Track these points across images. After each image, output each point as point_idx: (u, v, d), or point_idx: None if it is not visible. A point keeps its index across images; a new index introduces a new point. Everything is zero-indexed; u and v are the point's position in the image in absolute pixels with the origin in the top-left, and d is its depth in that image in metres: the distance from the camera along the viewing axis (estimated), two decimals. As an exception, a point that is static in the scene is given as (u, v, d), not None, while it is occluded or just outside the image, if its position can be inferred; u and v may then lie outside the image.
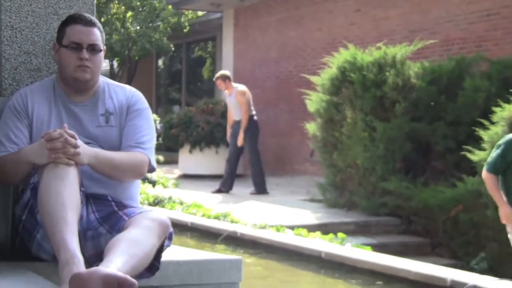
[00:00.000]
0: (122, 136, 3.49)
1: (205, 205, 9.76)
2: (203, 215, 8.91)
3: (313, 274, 5.54)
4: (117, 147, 3.44)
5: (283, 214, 9.85)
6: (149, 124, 3.56)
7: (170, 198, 10.63)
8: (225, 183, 13.25)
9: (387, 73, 10.58)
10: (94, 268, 2.64)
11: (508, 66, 10.35)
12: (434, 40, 11.51)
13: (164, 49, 20.03)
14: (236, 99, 12.88)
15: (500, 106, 8.76)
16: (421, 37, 11.21)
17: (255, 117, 13.33)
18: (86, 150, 3.19)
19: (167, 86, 23.30)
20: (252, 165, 13.30)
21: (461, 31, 12.46)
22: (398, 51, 10.86)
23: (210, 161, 14.75)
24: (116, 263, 2.75)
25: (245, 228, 7.48)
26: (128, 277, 2.60)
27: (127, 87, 3.67)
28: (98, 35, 3.44)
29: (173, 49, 20.39)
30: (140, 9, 19.94)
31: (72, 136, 3.11)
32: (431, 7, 13.03)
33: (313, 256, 5.85)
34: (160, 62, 22.74)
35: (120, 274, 2.61)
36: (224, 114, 16.11)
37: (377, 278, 5.07)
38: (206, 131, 14.96)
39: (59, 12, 3.62)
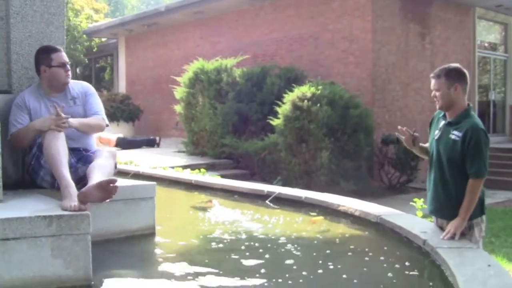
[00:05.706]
0: (85, 109, 3.50)
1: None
2: (117, 162, 8.76)
3: (187, 192, 5.68)
4: (83, 116, 3.47)
5: (164, 160, 9.78)
6: (99, 100, 3.60)
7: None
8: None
9: (223, 75, 10.74)
10: (87, 186, 2.75)
11: (289, 71, 10.80)
12: (248, 56, 11.74)
13: (81, 62, 19.27)
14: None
15: (286, 93, 9.31)
16: (240, 54, 11.41)
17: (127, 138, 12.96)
18: (72, 120, 3.27)
19: (82, 84, 22.30)
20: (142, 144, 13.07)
21: (262, 50, 12.80)
22: (228, 62, 11.02)
23: (116, 130, 14.44)
24: (98, 177, 2.89)
25: (144, 168, 7.50)
26: (110, 178, 2.77)
27: (82, 81, 3.68)
28: None
29: (86, 61, 19.70)
30: (65, 37, 18.94)
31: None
32: (245, 36, 13.26)
33: (187, 183, 5.71)
34: (78, 70, 21.79)
35: (105, 178, 2.78)
36: (121, 101, 15.84)
37: (229, 193, 5.21)
38: (111, 112, 14.68)
39: (44, 44, 3.56)
